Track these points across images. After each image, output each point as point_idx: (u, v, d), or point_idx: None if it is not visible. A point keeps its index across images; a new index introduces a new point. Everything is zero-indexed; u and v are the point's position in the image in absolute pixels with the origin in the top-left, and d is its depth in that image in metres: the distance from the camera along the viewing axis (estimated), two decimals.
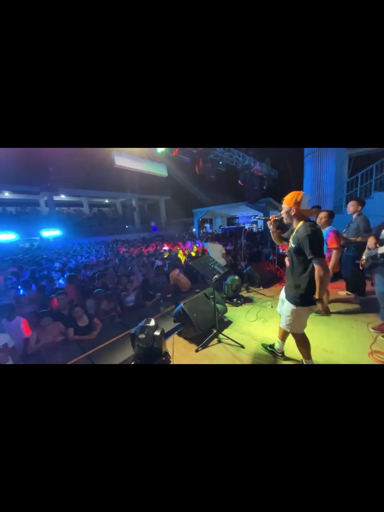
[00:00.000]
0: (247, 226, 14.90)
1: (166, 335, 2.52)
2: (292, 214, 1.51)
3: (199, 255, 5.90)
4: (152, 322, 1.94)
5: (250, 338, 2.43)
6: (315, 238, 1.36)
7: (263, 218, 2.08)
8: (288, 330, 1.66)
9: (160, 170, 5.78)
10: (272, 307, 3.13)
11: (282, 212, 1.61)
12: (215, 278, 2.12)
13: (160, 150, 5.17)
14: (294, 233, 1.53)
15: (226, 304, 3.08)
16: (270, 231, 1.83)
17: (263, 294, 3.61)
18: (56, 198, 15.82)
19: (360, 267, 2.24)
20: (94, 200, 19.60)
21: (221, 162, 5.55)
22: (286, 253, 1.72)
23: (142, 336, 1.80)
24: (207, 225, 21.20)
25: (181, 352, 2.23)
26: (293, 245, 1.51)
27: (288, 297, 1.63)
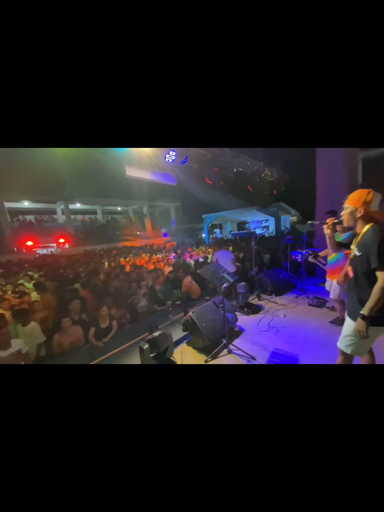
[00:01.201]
0: (258, 231, 14.67)
1: (175, 343, 2.49)
2: (358, 215, 1.29)
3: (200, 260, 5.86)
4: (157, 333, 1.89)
5: (262, 349, 2.33)
6: None
7: (317, 222, 1.89)
8: (349, 352, 1.37)
9: (169, 179, 5.89)
10: (284, 316, 3.00)
11: (345, 212, 1.38)
12: (224, 287, 2.07)
13: (169, 158, 5.27)
14: (359, 238, 1.31)
15: (236, 313, 3.00)
16: (327, 237, 1.56)
17: (275, 303, 3.48)
18: (71, 206, 16.61)
19: None
20: (108, 207, 20.37)
21: (233, 169, 5.56)
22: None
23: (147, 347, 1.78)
24: (217, 230, 21.15)
25: (189, 362, 2.18)
26: (357, 253, 1.29)
27: (351, 315, 1.37)
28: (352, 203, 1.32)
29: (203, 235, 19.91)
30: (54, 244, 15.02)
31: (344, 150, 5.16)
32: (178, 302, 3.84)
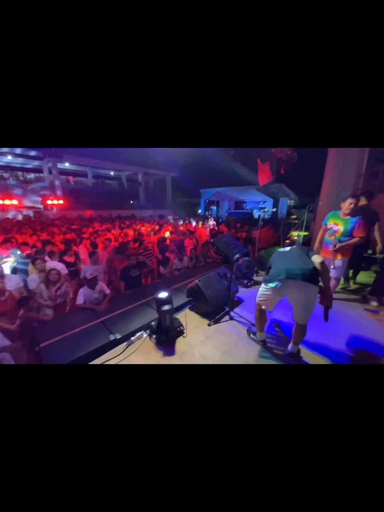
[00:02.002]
0: (258, 213, 14.53)
1: (177, 308, 2.60)
2: None
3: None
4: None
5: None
6: None
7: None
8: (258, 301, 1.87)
9: None
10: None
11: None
12: (237, 257, 2.12)
13: None
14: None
15: (237, 285, 3.13)
16: None
17: None
18: (60, 166, 15.23)
19: None
20: (100, 171, 18.87)
21: None
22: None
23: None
24: (214, 207, 20.73)
25: (194, 324, 2.32)
26: None
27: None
28: None
29: (200, 211, 19.50)
30: (41, 206, 14.11)
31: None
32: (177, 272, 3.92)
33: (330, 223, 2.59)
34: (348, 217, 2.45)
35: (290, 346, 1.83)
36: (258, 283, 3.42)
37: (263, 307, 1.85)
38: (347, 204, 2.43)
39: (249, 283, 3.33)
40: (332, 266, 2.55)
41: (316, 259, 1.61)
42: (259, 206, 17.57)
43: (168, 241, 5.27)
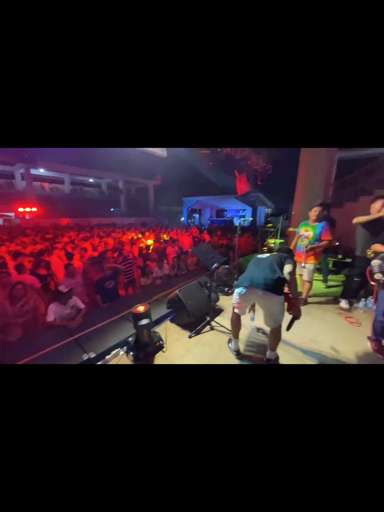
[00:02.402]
0: (238, 221, 15.04)
1: (157, 321, 2.52)
2: None
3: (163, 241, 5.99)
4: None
5: (242, 327, 2.51)
6: None
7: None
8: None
9: (159, 150, 5.38)
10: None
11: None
12: (215, 266, 2.12)
13: None
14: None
15: (218, 293, 3.14)
16: None
17: None
18: (34, 171, 14.45)
19: (371, 281, 2.11)
20: (78, 178, 18.24)
21: (223, 150, 5.42)
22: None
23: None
24: (196, 215, 21.06)
25: (174, 337, 2.24)
26: None
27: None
28: None
29: (182, 218, 19.66)
30: (12, 213, 13.15)
31: (326, 149, 5.45)
32: (158, 281, 3.83)
33: (302, 231, 2.85)
34: (316, 223, 2.72)
35: (267, 352, 1.84)
36: None
37: (235, 310, 1.88)
38: (313, 212, 2.74)
39: (229, 291, 3.36)
40: (303, 265, 2.77)
41: (287, 269, 1.62)
42: (239, 214, 18.24)
43: (150, 249, 5.18)
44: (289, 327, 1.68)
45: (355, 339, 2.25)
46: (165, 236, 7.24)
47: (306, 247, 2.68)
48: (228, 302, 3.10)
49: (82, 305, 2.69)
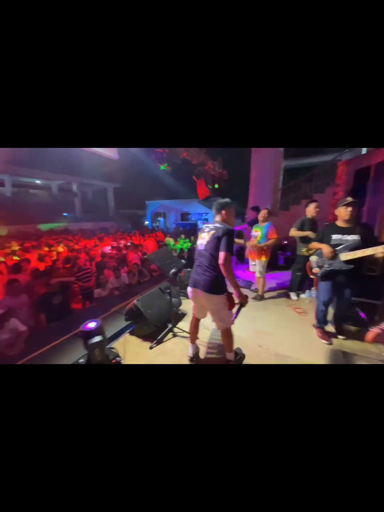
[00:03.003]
0: (199, 223, 15.46)
1: (115, 336, 2.34)
2: None
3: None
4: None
5: (203, 328, 2.52)
6: None
7: None
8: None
9: (110, 151, 5.06)
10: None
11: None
12: (172, 272, 2.07)
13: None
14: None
15: (181, 297, 3.10)
16: None
17: None
18: None
19: (310, 275, 2.39)
20: (22, 179, 15.88)
21: (179, 155, 5.47)
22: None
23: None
24: (161, 219, 20.79)
25: (134, 351, 2.10)
26: None
27: None
28: None
29: (147, 222, 19.15)
30: None
31: (272, 158, 6.08)
32: (116, 292, 3.58)
33: (253, 232, 3.23)
34: (263, 224, 3.10)
35: (226, 354, 1.86)
36: None
37: (193, 312, 1.86)
38: (261, 215, 3.13)
39: None
40: (253, 263, 3.22)
41: (220, 257, 1.49)
42: (202, 217, 18.78)
43: (107, 256, 4.82)
44: (235, 317, 1.61)
45: (303, 328, 2.52)
46: (121, 241, 6.83)
47: (256, 246, 3.06)
48: (190, 306, 3.09)
49: (22, 328, 2.30)
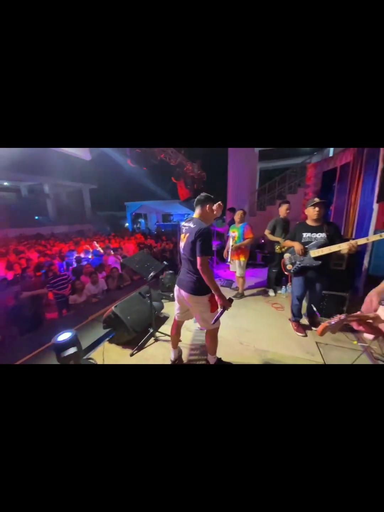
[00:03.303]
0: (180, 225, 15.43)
1: (94, 345, 2.22)
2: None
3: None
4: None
5: (186, 330, 2.51)
6: None
7: None
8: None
9: (81, 152, 4.80)
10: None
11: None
12: (151, 276, 2.03)
13: None
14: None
15: (162, 300, 3.06)
16: None
17: None
18: None
19: (285, 272, 2.47)
20: None
21: (157, 156, 5.37)
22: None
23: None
24: (142, 220, 20.37)
25: (113, 359, 2.02)
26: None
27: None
28: None
29: (127, 224, 18.62)
30: None
31: (248, 160, 6.30)
32: (94, 300, 3.42)
33: (230, 233, 3.26)
34: (240, 225, 3.16)
35: (208, 356, 1.87)
36: None
37: (176, 316, 1.85)
38: (237, 215, 3.19)
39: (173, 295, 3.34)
40: (228, 263, 3.29)
41: (198, 262, 1.47)
42: (185, 218, 18.77)
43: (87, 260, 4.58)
44: (215, 320, 1.56)
45: (280, 322, 2.64)
46: (96, 245, 6.50)
47: (233, 246, 3.12)
48: (173, 308, 3.06)
49: None
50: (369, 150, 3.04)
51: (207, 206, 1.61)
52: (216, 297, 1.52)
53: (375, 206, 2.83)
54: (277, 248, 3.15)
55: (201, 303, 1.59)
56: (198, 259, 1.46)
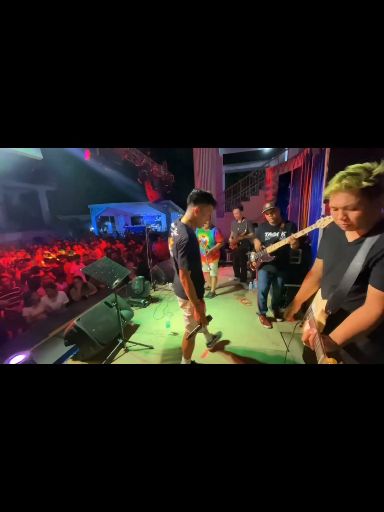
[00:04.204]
0: (151, 226, 15.15)
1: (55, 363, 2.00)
2: None
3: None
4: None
5: (158, 336, 2.46)
6: None
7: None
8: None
9: (33, 151, 4.25)
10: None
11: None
12: (116, 283, 1.91)
13: None
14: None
15: (133, 308, 2.93)
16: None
17: (170, 290, 3.77)
18: None
19: (252, 268, 2.68)
20: None
21: (120, 156, 5.12)
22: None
23: None
24: (109, 224, 19.31)
25: None
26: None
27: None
28: None
29: (92, 228, 17.43)
30: None
31: (214, 163, 6.49)
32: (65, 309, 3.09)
33: (199, 237, 3.20)
34: (209, 229, 3.20)
35: (182, 359, 1.86)
36: (156, 300, 3.41)
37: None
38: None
39: (146, 302, 3.24)
40: (209, 268, 3.26)
41: (180, 275, 1.44)
42: (155, 221, 18.45)
43: (41, 271, 4.11)
44: (190, 336, 1.58)
45: (249, 317, 2.77)
46: (51, 254, 5.92)
47: (207, 251, 3.15)
48: (144, 315, 2.97)
49: None
50: (316, 155, 3.42)
51: (197, 207, 1.40)
52: (194, 313, 1.50)
53: (323, 206, 3.19)
54: (230, 241, 3.74)
55: (187, 308, 1.63)
56: (180, 271, 1.43)
